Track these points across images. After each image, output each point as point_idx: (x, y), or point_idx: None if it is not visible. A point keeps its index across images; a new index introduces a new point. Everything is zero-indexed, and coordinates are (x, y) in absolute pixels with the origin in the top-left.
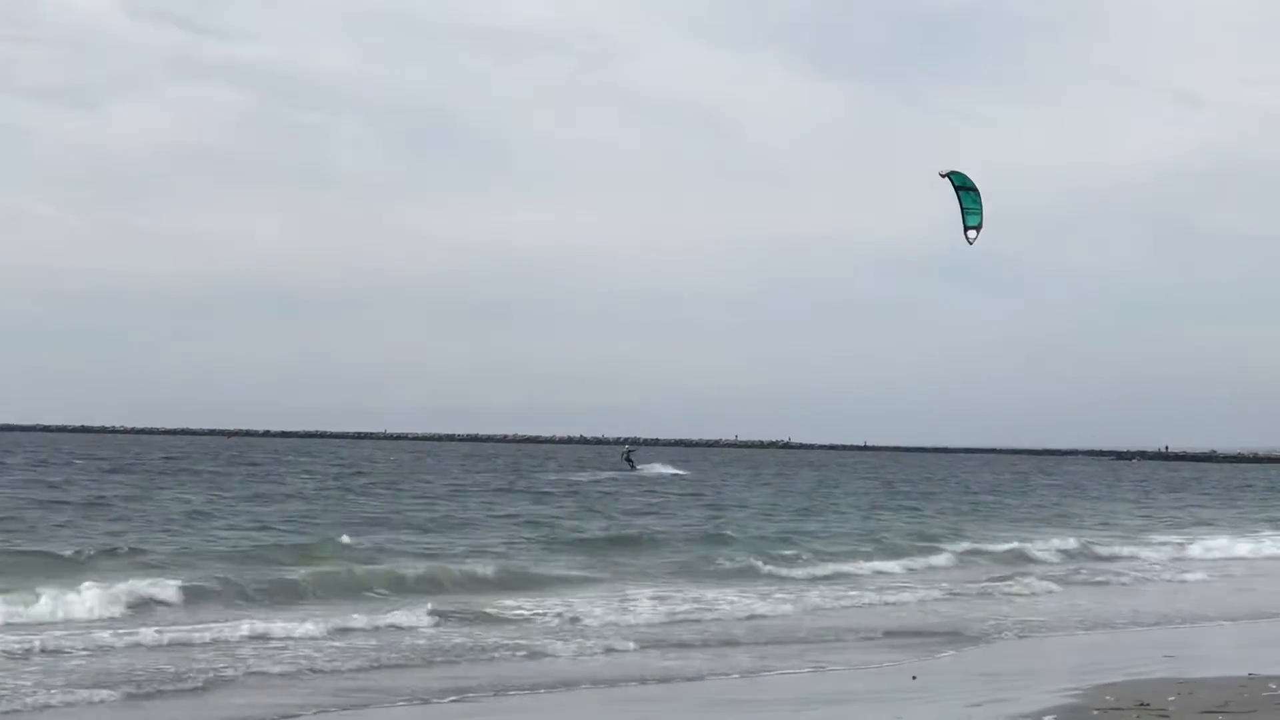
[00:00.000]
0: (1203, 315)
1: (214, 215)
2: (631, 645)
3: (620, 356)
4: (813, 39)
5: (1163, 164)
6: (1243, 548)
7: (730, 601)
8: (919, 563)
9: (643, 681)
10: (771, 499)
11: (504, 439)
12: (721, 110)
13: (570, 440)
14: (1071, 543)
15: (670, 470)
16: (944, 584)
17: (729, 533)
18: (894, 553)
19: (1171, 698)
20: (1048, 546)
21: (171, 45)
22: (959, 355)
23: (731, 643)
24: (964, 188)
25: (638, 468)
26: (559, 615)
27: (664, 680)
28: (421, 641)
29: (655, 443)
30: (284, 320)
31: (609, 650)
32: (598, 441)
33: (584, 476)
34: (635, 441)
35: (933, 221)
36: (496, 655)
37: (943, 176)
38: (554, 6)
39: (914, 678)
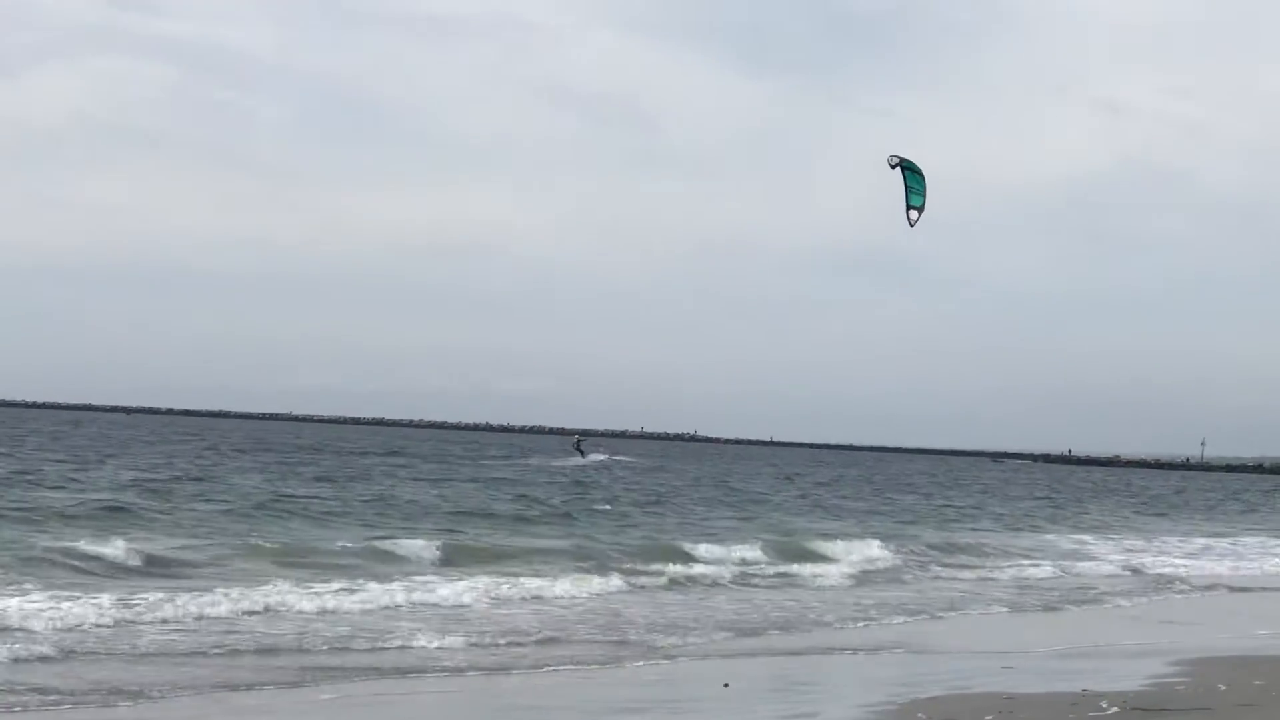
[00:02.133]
0: (1113, 320)
1: (128, 189)
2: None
3: (533, 345)
4: (741, 35)
5: (1082, 169)
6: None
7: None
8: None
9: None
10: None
11: (411, 424)
12: (646, 103)
13: (479, 427)
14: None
15: (621, 457)
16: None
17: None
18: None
19: (989, 717)
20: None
21: (94, 16)
22: (872, 354)
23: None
24: (909, 168)
25: (586, 455)
26: None
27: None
28: None
29: (561, 431)
30: (194, 298)
31: None
32: (505, 429)
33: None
34: (585, 433)
35: (853, 221)
36: None
37: (892, 166)
38: None
39: (726, 685)
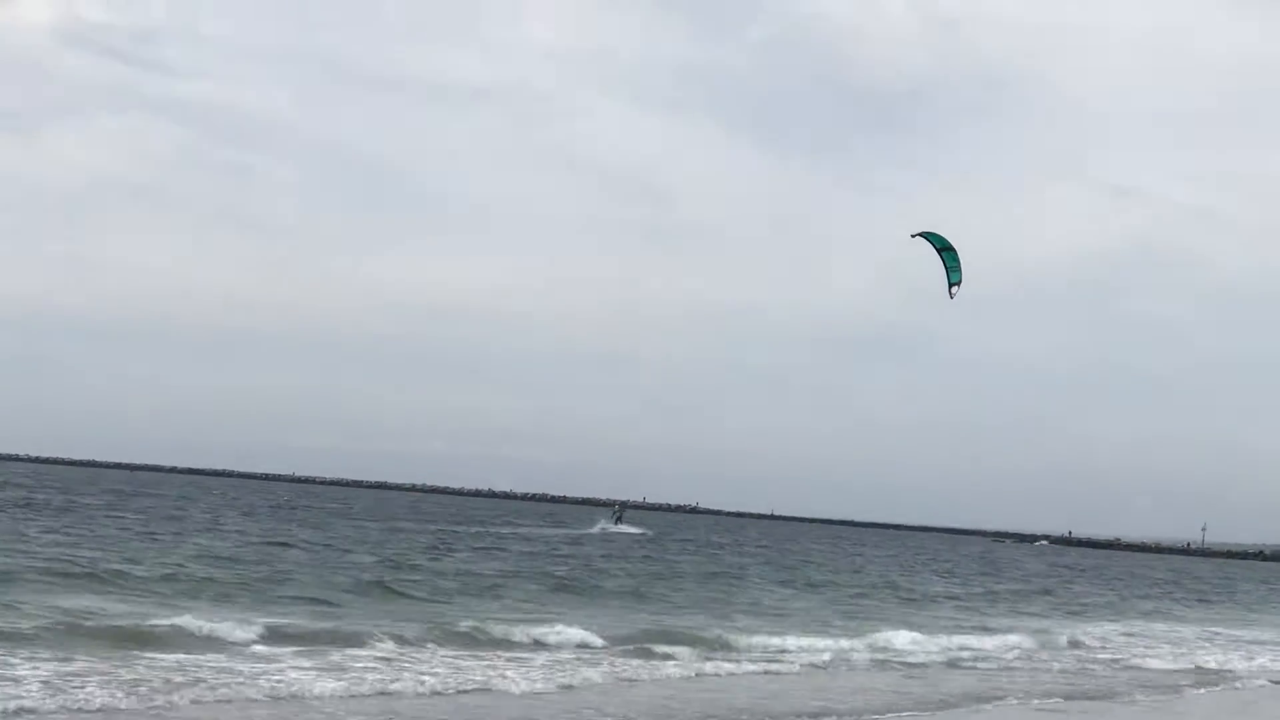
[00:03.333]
0: (1117, 402)
1: (142, 247)
2: None
3: (537, 412)
4: (754, 110)
5: (1090, 252)
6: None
7: None
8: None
9: None
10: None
11: (413, 488)
12: (658, 176)
13: (479, 493)
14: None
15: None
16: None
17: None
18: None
19: None
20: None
21: (110, 77)
22: (877, 431)
23: None
24: (944, 249)
25: (620, 525)
26: None
27: None
28: None
29: (563, 500)
30: (199, 356)
31: None
32: (508, 496)
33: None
34: (624, 504)
35: (862, 298)
36: None
37: (914, 237)
38: (495, 63)
39: None
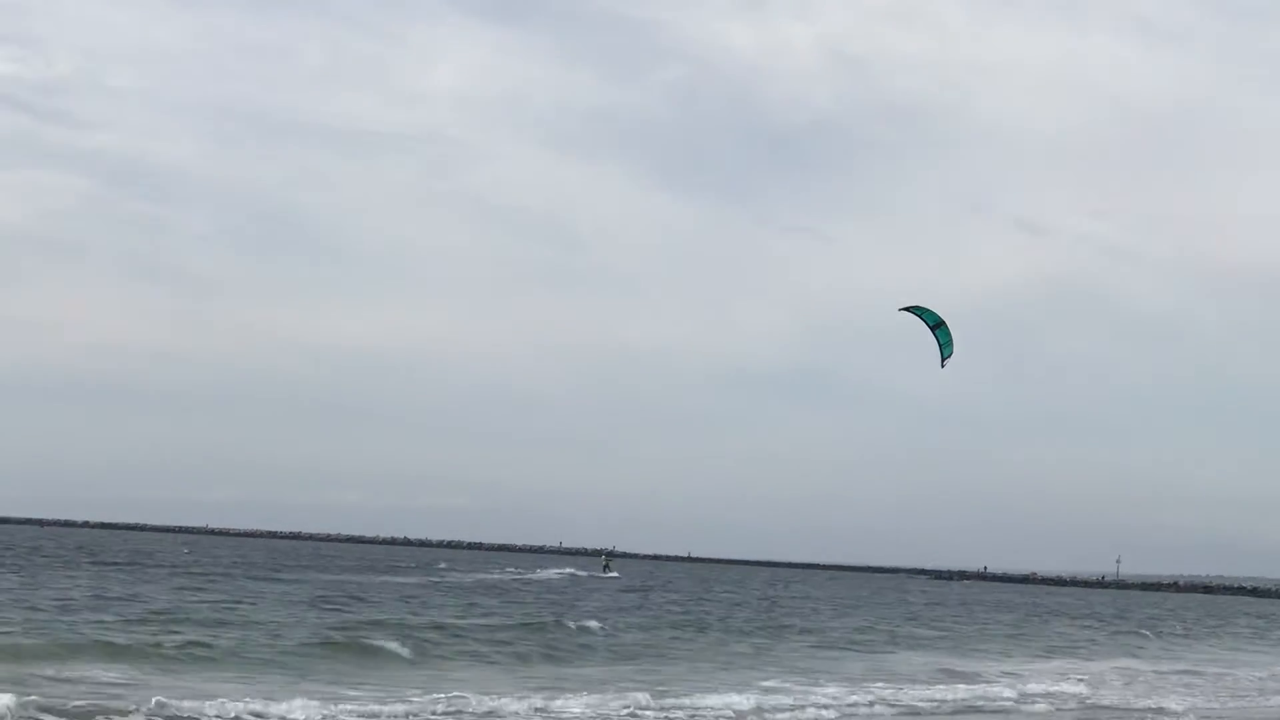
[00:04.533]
0: (1029, 438)
1: (47, 301)
2: None
3: (455, 459)
4: (663, 151)
5: (1002, 289)
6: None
7: None
8: None
9: None
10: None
11: (325, 537)
12: (566, 219)
13: (404, 542)
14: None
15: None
16: None
17: None
18: None
19: None
20: None
21: (14, 129)
22: (789, 471)
23: None
24: (937, 325)
25: (611, 571)
26: None
27: None
28: None
29: (479, 546)
30: (109, 410)
31: None
32: (423, 544)
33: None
34: (611, 553)
35: (771, 336)
36: None
37: (902, 311)
38: (405, 110)
39: None
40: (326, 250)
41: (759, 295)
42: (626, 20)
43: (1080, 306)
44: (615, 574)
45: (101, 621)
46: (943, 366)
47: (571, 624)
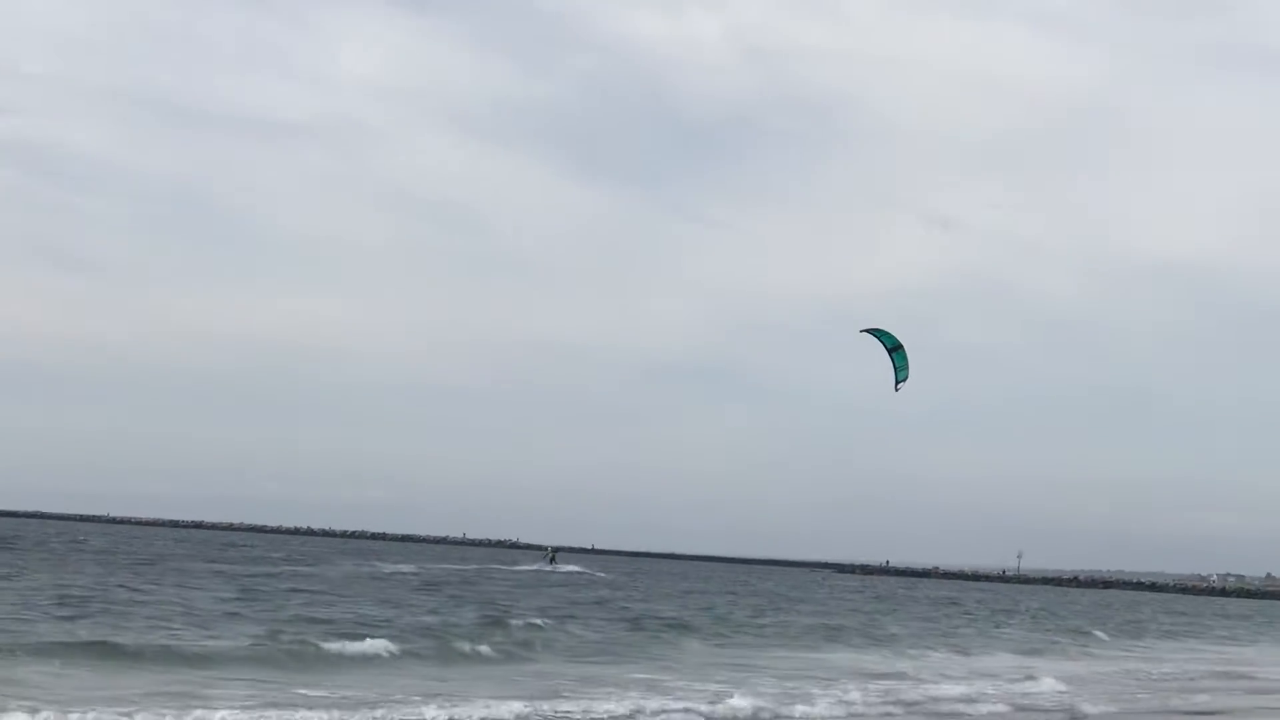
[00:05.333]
0: (935, 432)
1: None
2: None
3: (366, 451)
4: (577, 141)
5: (909, 282)
6: None
7: None
8: None
9: None
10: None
11: (231, 527)
12: (480, 208)
13: (304, 531)
14: None
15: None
16: None
17: None
18: None
19: None
20: None
21: None
22: (698, 463)
23: None
24: (894, 349)
25: (556, 566)
26: None
27: None
28: None
29: (383, 536)
30: (20, 398)
31: None
32: (327, 534)
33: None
34: (555, 549)
35: (685, 330)
36: None
37: (863, 333)
38: (317, 97)
39: None
40: (238, 239)
41: (670, 287)
42: (539, 9)
43: (987, 301)
44: (572, 567)
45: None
46: (896, 390)
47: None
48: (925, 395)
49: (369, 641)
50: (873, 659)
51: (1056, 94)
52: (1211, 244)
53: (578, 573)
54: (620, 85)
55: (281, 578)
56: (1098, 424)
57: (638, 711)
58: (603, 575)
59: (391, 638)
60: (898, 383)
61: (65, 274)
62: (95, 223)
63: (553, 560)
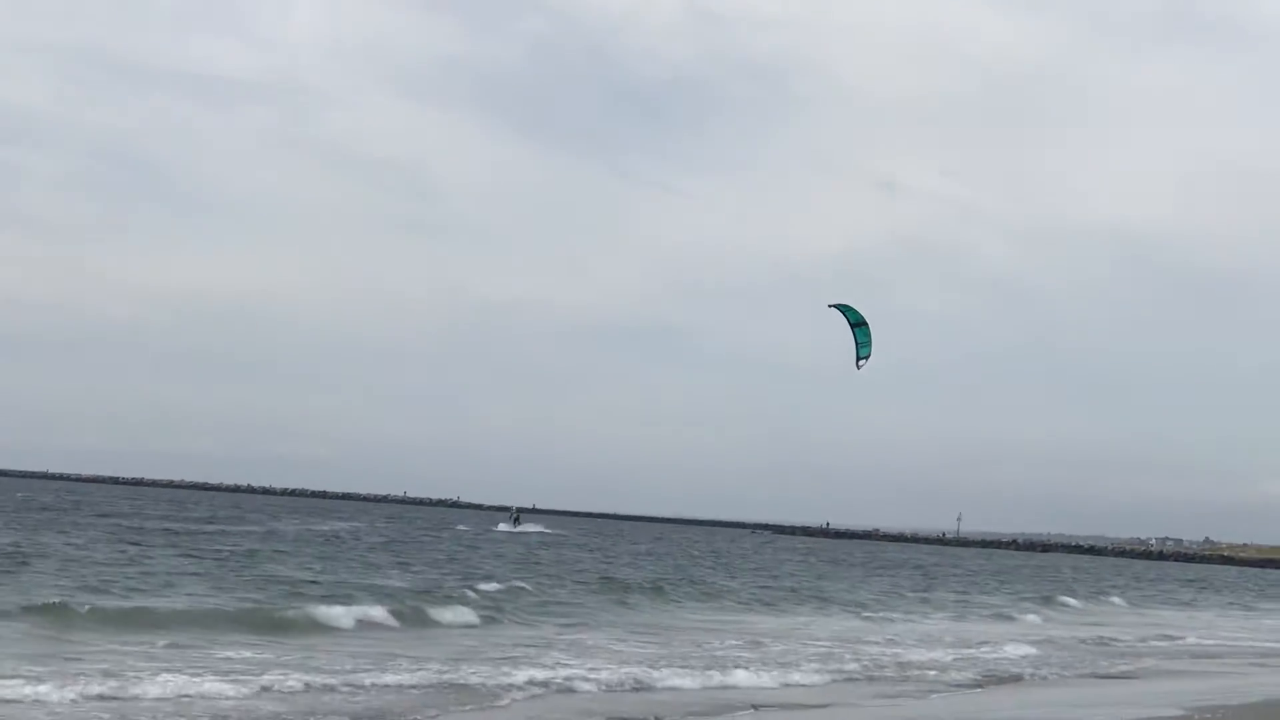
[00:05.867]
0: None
1: None
2: None
3: (302, 407)
4: (523, 103)
5: (857, 246)
6: None
7: None
8: None
9: None
10: None
11: (171, 484)
12: (423, 169)
13: (240, 489)
14: None
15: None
16: None
17: None
18: None
19: None
20: None
21: None
22: (641, 425)
23: None
24: (857, 324)
25: (519, 526)
26: None
27: None
28: None
29: (323, 495)
30: None
31: None
32: (268, 492)
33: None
34: (520, 509)
35: (626, 290)
36: None
37: (831, 308)
38: (262, 57)
39: None
40: (180, 197)
41: (615, 250)
42: None
43: (932, 265)
44: (537, 528)
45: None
46: (858, 367)
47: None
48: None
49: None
50: (857, 624)
51: (1006, 61)
52: (1158, 210)
53: (547, 533)
54: (568, 47)
55: (242, 538)
56: (1039, 388)
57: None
58: (566, 534)
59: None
60: (859, 359)
61: (2, 230)
62: (28, 178)
63: (517, 521)
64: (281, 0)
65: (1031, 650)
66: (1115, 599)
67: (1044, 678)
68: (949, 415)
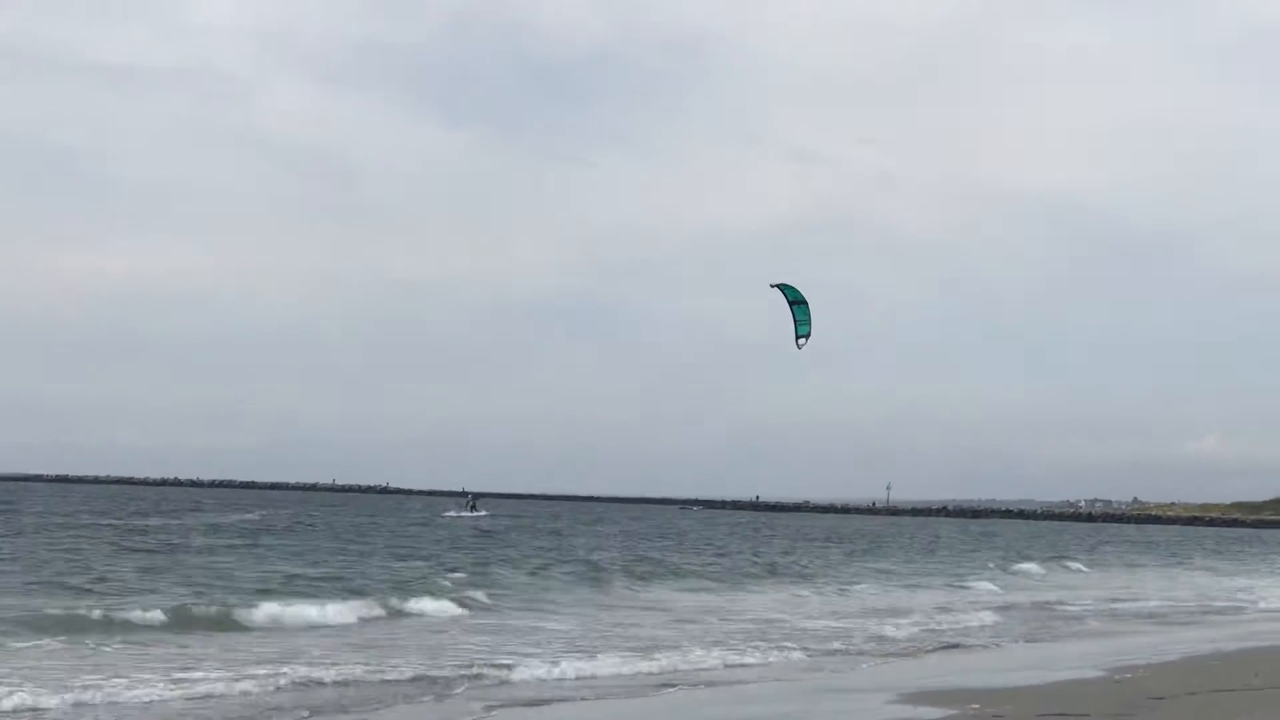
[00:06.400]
0: (801, 367)
1: None
2: None
3: (225, 397)
4: (438, 84)
5: (778, 218)
6: None
7: None
8: None
9: None
10: None
11: (96, 479)
12: (340, 153)
13: (167, 482)
14: None
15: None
16: None
17: None
18: None
19: None
20: None
21: None
22: (566, 403)
23: None
24: (796, 302)
25: (476, 511)
26: None
27: None
28: None
29: (252, 485)
30: None
31: None
32: (194, 484)
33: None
34: (475, 495)
35: (549, 270)
36: None
37: (773, 287)
38: (176, 44)
39: None
40: (95, 187)
41: (535, 228)
42: None
43: (851, 234)
44: (484, 512)
45: None
46: (799, 345)
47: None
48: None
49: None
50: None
51: (918, 27)
52: (1076, 177)
53: (492, 517)
54: (482, 24)
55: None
56: (961, 354)
57: None
58: (521, 518)
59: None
60: (799, 337)
61: None
62: None
63: (473, 506)
64: None
65: (994, 618)
66: (1073, 564)
67: (983, 645)
68: (872, 385)
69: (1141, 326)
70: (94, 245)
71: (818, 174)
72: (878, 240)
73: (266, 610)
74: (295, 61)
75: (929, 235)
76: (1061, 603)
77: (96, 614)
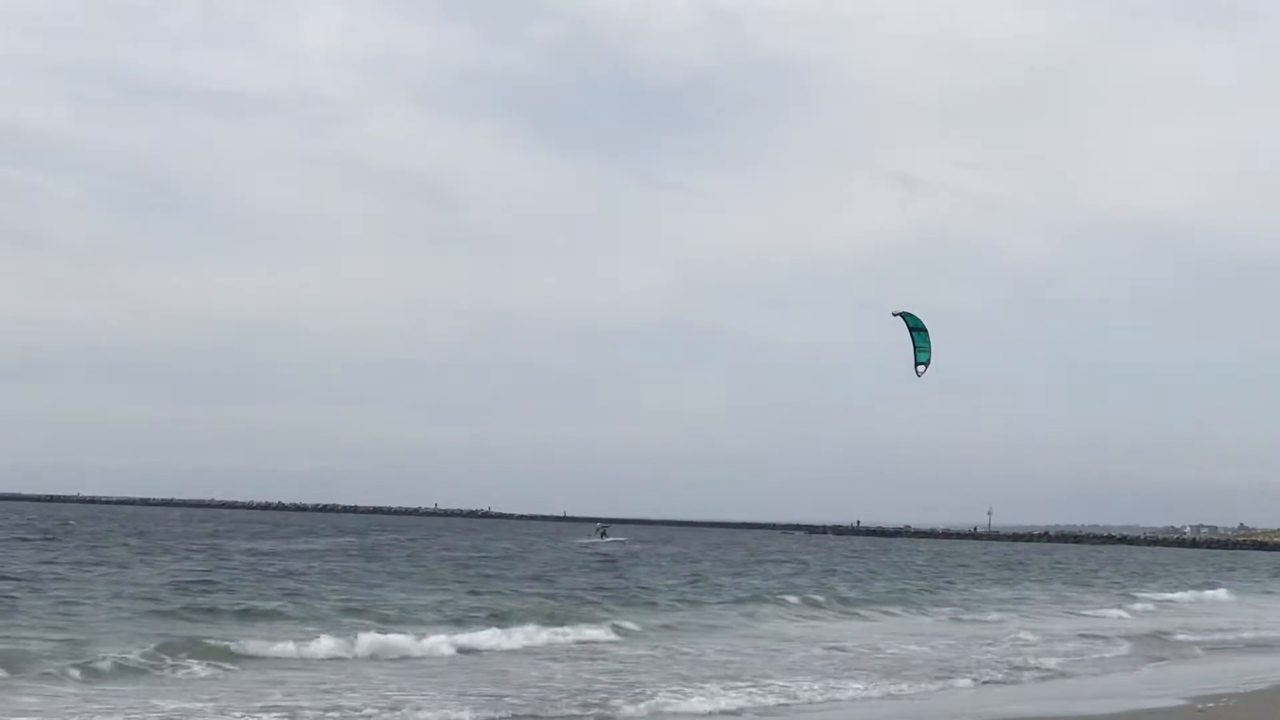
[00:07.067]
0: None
1: None
2: None
3: (328, 422)
4: (540, 110)
5: (877, 242)
6: None
7: None
8: None
9: None
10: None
11: (211, 504)
12: (443, 179)
13: (272, 506)
14: None
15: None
16: None
17: None
18: None
19: None
20: None
21: None
22: (669, 429)
23: None
24: (916, 329)
25: (606, 539)
26: None
27: None
28: None
29: (354, 509)
30: None
31: None
32: (298, 509)
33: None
34: (606, 522)
35: (651, 294)
36: None
37: (895, 316)
38: (281, 71)
39: None
40: (200, 214)
41: (636, 252)
42: None
43: (954, 259)
44: (615, 539)
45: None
46: (918, 373)
47: None
48: (893, 354)
49: None
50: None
51: (1019, 51)
52: (1183, 201)
53: (620, 542)
54: (584, 52)
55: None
56: (1064, 380)
57: None
58: (642, 546)
59: None
60: (918, 364)
61: (24, 253)
62: (52, 200)
63: (603, 534)
64: (295, 13)
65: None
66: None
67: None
68: (974, 409)
69: (1247, 351)
70: (196, 272)
71: (917, 198)
72: (979, 265)
73: None
74: (397, 87)
75: (1031, 260)
76: (1219, 629)
77: None
